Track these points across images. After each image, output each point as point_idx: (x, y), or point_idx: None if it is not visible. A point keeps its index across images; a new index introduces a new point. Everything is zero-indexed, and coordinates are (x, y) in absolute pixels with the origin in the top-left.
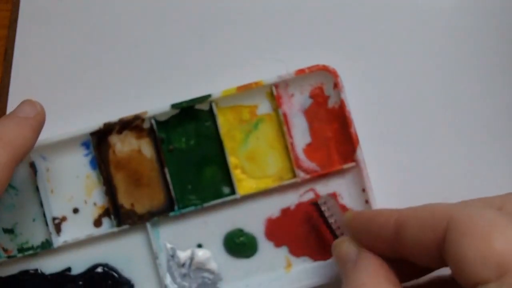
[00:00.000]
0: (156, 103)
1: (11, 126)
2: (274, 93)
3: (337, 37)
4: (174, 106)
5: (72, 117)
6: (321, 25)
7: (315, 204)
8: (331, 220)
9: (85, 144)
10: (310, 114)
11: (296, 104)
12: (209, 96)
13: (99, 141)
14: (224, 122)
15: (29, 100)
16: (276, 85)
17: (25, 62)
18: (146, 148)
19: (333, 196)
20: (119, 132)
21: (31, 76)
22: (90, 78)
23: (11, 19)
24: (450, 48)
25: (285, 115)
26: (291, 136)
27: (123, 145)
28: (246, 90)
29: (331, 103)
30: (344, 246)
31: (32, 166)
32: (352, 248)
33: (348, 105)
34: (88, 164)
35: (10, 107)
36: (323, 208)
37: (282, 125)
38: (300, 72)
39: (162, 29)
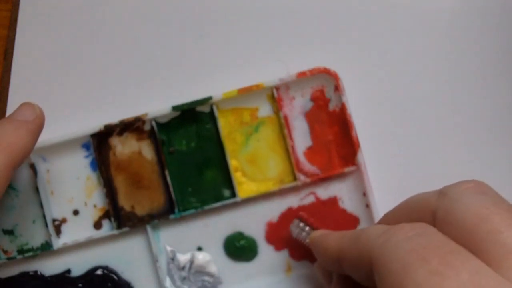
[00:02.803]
0: (157, 104)
1: (9, 130)
2: (275, 96)
3: (339, 39)
4: (174, 108)
5: (72, 119)
6: (323, 27)
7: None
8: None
9: (86, 146)
10: (311, 117)
11: (297, 106)
12: (210, 98)
13: (99, 143)
14: (225, 124)
15: (28, 103)
16: (277, 88)
17: (25, 62)
18: (147, 150)
19: (305, 215)
20: (120, 134)
21: (31, 76)
22: (90, 79)
23: (11, 19)
24: (452, 51)
25: (286, 117)
26: (291, 139)
27: (124, 147)
28: (247, 92)
29: (332, 106)
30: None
31: (32, 167)
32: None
33: (349, 108)
34: (88, 166)
35: (10, 107)
36: (294, 235)
37: (283, 127)
38: (301, 74)
39: (163, 30)
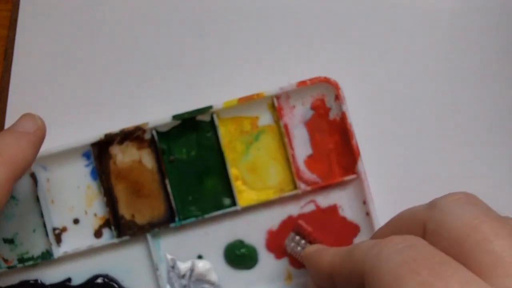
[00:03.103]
0: (157, 113)
1: (11, 142)
2: (275, 105)
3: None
4: (175, 117)
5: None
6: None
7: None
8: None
9: (86, 155)
10: (311, 125)
11: (297, 115)
12: (210, 107)
13: (100, 152)
14: (225, 133)
15: (29, 114)
16: (278, 97)
17: (25, 62)
18: (147, 159)
19: (302, 226)
20: (120, 142)
21: (31, 76)
22: (90, 84)
23: (11, 19)
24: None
25: (286, 126)
26: (292, 148)
27: (124, 156)
28: (247, 101)
29: (333, 114)
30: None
31: (33, 176)
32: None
33: (350, 117)
34: (88, 175)
35: (10, 107)
36: (289, 250)
37: (283, 136)
38: (302, 84)
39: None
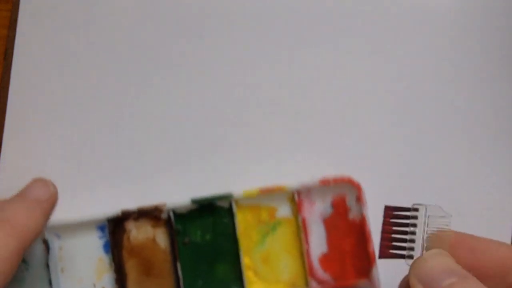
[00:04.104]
0: (175, 191)
1: (22, 211)
2: (295, 199)
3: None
4: (194, 201)
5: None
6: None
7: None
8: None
9: (101, 228)
10: (329, 223)
11: (316, 211)
12: (230, 196)
13: (115, 225)
14: (242, 220)
15: (42, 180)
16: (299, 192)
17: (25, 62)
18: (161, 238)
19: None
20: (136, 219)
21: (31, 76)
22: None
23: (11, 19)
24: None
25: (304, 221)
26: (308, 243)
27: (139, 232)
28: (268, 193)
29: (352, 215)
30: (443, 259)
31: (46, 243)
32: (455, 265)
33: (369, 221)
34: (101, 247)
35: (10, 107)
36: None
37: (300, 231)
38: (325, 182)
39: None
